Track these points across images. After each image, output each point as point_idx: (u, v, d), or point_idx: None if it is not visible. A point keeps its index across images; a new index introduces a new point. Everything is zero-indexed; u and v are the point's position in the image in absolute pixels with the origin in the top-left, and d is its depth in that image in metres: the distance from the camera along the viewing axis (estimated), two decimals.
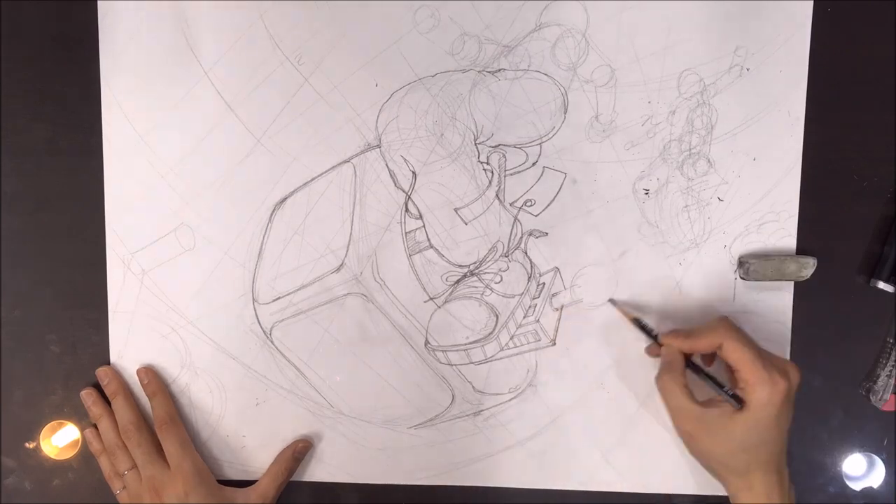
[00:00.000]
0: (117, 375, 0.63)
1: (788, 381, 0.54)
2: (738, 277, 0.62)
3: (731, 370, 0.56)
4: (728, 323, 0.57)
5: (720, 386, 0.56)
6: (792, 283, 0.62)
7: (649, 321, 0.61)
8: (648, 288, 0.62)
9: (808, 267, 0.61)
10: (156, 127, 0.62)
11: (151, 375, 0.63)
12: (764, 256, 0.61)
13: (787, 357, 0.63)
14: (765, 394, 0.54)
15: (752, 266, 0.61)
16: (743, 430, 0.54)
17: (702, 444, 0.56)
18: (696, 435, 0.56)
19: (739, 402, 0.55)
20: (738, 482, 0.56)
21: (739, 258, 0.62)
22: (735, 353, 0.55)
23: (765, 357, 0.55)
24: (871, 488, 0.63)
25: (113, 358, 0.64)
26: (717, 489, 0.61)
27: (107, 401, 0.63)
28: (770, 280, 0.61)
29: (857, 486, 0.64)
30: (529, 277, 0.63)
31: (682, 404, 0.56)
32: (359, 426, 0.64)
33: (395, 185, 0.62)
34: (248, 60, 0.61)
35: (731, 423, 0.54)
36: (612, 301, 0.62)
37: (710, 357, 0.60)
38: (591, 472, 0.64)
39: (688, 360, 0.58)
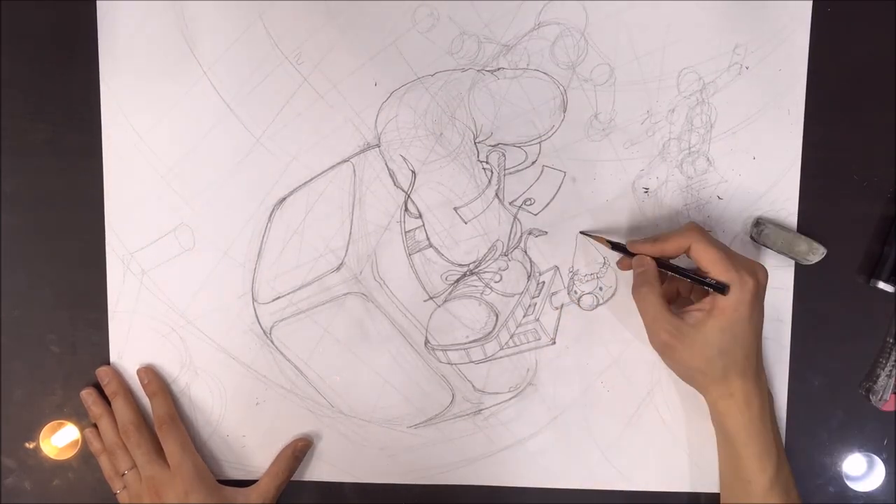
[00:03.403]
0: (117, 375, 0.63)
1: (757, 279, 0.55)
2: (751, 237, 0.62)
3: (700, 274, 0.56)
4: (695, 226, 0.57)
5: (701, 278, 0.56)
6: (792, 281, 0.62)
7: None
8: None
9: (817, 253, 0.60)
10: (155, 127, 0.62)
11: (151, 375, 0.63)
12: (780, 226, 0.61)
13: (787, 357, 0.63)
14: (735, 293, 0.54)
15: (767, 230, 0.60)
16: (717, 334, 0.55)
17: (679, 354, 0.56)
18: (673, 345, 0.56)
19: (724, 287, 0.55)
20: (717, 389, 0.56)
21: (757, 218, 0.62)
22: (704, 255, 0.55)
23: (733, 257, 0.55)
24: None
25: (113, 358, 0.64)
26: (714, 487, 0.61)
27: (107, 401, 0.63)
28: (777, 252, 0.61)
29: (857, 486, 0.64)
30: (529, 276, 0.62)
31: (658, 315, 0.56)
32: (359, 426, 0.64)
33: (395, 184, 0.62)
34: (247, 60, 0.61)
35: (705, 329, 0.55)
36: (582, 233, 0.62)
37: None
38: (591, 470, 0.64)
39: (662, 264, 0.58)
